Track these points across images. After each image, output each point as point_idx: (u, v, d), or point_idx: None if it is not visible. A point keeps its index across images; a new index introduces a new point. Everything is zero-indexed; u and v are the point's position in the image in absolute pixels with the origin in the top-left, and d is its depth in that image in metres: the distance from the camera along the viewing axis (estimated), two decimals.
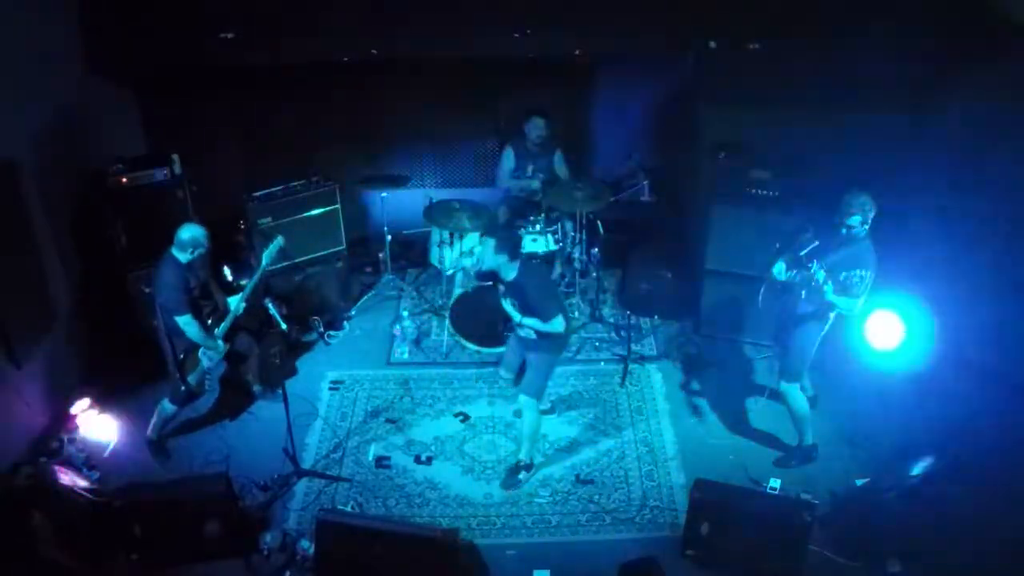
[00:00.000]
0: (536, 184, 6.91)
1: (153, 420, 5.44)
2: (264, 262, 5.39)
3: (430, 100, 7.34)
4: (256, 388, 5.90)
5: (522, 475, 5.34)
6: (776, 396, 5.89)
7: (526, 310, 4.96)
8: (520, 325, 5.01)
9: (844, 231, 4.80)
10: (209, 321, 5.30)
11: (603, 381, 6.23)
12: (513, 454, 5.49)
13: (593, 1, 6.10)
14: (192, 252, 5.07)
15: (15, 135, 5.36)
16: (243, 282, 5.53)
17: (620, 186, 7.48)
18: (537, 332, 4.97)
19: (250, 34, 6.10)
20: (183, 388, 5.28)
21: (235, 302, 5.35)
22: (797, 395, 5.25)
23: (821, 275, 4.75)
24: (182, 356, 5.22)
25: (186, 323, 5.08)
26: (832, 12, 5.84)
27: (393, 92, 7.28)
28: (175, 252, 5.08)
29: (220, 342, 5.32)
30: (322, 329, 6.70)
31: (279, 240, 5.48)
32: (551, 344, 5.09)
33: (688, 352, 6.49)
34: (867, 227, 4.79)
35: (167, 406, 5.38)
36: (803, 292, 5.01)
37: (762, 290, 5.28)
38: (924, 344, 5.45)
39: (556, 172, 6.93)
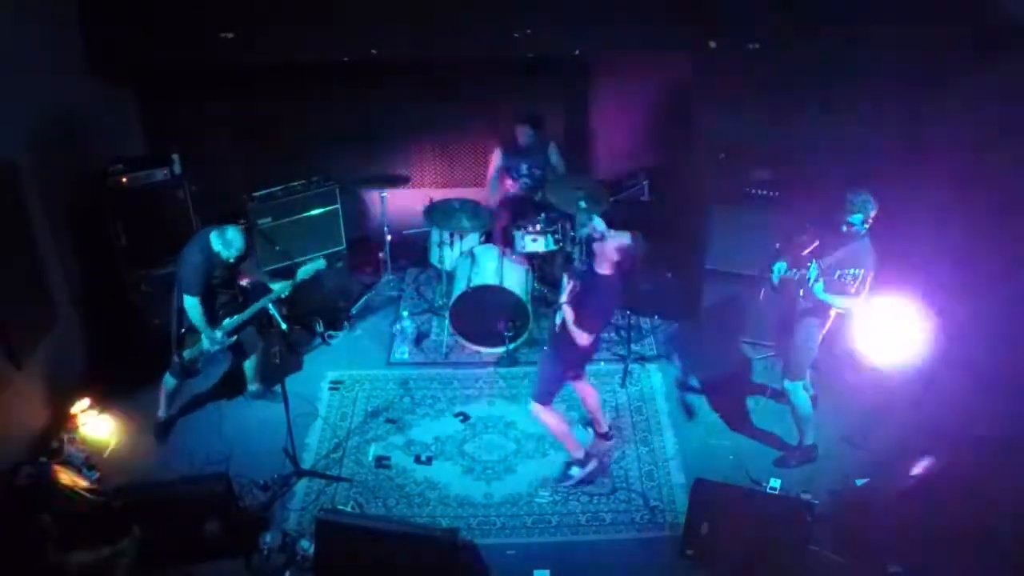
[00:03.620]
0: (523, 183, 6.91)
1: (160, 398, 5.61)
2: (298, 277, 5.51)
3: (430, 100, 7.34)
4: (253, 388, 5.93)
5: (574, 470, 5.34)
6: (777, 395, 5.90)
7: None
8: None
9: (844, 229, 4.81)
10: (220, 312, 5.42)
11: (603, 381, 6.23)
12: (514, 453, 5.54)
13: (593, 1, 6.09)
14: (225, 251, 5.20)
15: (15, 135, 5.36)
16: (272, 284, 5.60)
17: (620, 186, 7.48)
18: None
19: (250, 34, 6.10)
20: (177, 360, 5.42)
21: (265, 297, 5.42)
22: (801, 394, 5.25)
23: (813, 273, 4.77)
24: (183, 331, 5.37)
25: (191, 305, 5.22)
26: (832, 12, 5.84)
27: (393, 92, 7.28)
28: (214, 238, 5.19)
29: (219, 333, 5.40)
30: (322, 329, 6.70)
31: (319, 262, 5.62)
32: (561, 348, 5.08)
33: (686, 352, 6.48)
34: (867, 226, 4.79)
35: (168, 379, 5.55)
36: (801, 291, 5.02)
37: (763, 289, 5.28)
38: (924, 344, 5.45)
39: (553, 165, 6.92)
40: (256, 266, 5.67)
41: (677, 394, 6.10)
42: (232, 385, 6.01)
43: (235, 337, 5.54)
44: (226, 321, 5.44)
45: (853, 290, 4.78)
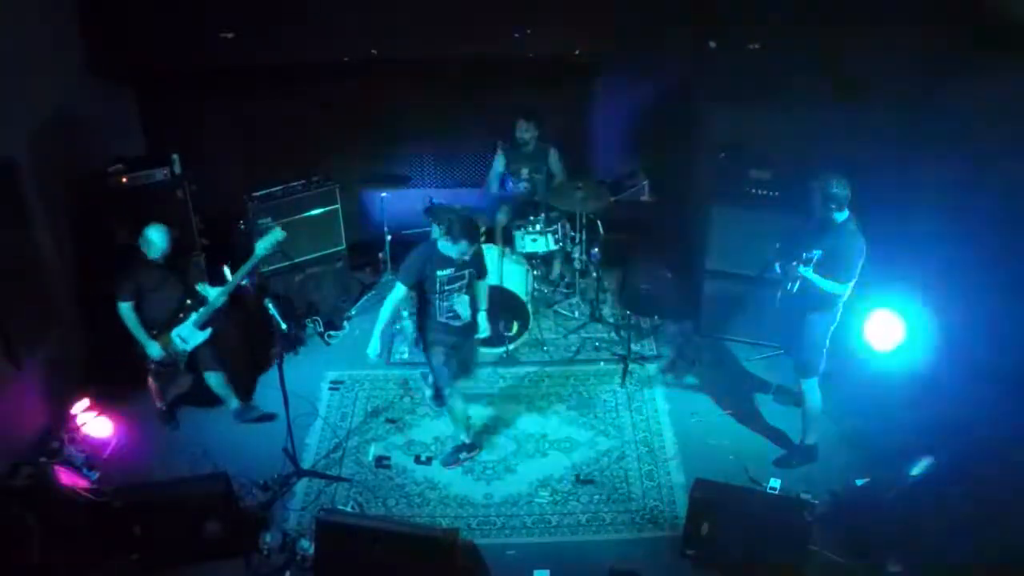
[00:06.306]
0: (523, 187, 6.90)
1: (151, 393, 5.74)
2: (258, 252, 5.37)
3: (430, 100, 7.33)
4: (233, 406, 5.79)
5: (463, 454, 5.49)
6: (779, 394, 5.90)
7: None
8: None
9: (819, 215, 4.86)
10: (181, 315, 5.39)
11: (603, 381, 6.23)
12: (514, 453, 5.56)
13: (593, 1, 6.09)
14: (148, 252, 5.18)
15: (15, 135, 5.37)
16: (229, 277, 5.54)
17: (620, 186, 7.48)
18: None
19: (250, 34, 6.10)
20: (150, 366, 5.49)
21: (214, 294, 5.39)
22: (816, 391, 5.25)
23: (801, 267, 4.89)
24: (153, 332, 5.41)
25: (122, 311, 5.24)
26: (832, 11, 5.84)
27: (393, 92, 7.28)
28: (141, 244, 5.20)
29: (155, 345, 5.34)
30: (322, 329, 6.70)
31: (277, 232, 5.44)
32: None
33: (688, 352, 6.48)
34: (834, 206, 4.79)
35: (150, 382, 5.67)
36: (793, 286, 5.04)
37: (780, 293, 5.26)
38: (924, 344, 5.45)
39: (552, 171, 6.91)
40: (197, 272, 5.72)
41: (682, 394, 6.09)
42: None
43: (189, 345, 5.45)
44: (172, 333, 5.38)
45: (811, 270, 4.84)
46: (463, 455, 5.50)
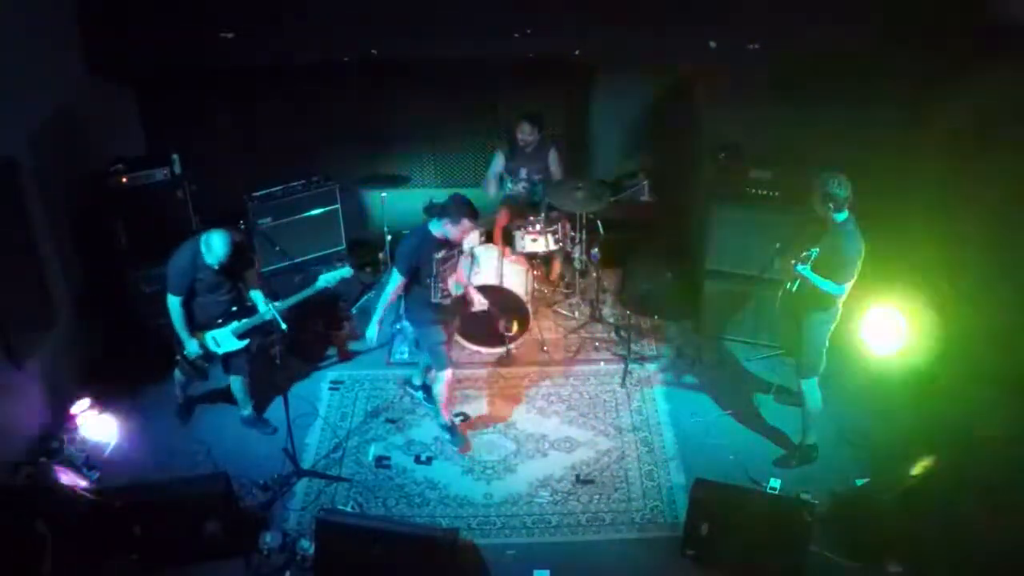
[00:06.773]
0: (522, 187, 6.90)
1: (175, 385, 5.73)
2: (318, 284, 5.24)
3: (430, 100, 7.33)
4: (244, 413, 5.75)
5: (447, 436, 5.65)
6: (779, 394, 5.90)
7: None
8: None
9: (820, 215, 4.86)
10: (220, 321, 5.32)
11: (603, 381, 6.23)
12: (514, 453, 5.56)
13: (593, 1, 6.09)
14: (207, 256, 5.05)
15: (15, 135, 5.37)
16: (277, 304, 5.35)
17: (620, 186, 7.48)
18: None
19: (250, 34, 6.10)
20: (179, 359, 5.44)
21: (264, 308, 5.24)
22: (815, 391, 5.24)
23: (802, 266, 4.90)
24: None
25: (171, 304, 5.19)
26: (832, 13, 5.85)
27: (393, 92, 7.28)
28: (203, 239, 5.07)
29: (194, 342, 5.29)
30: (321, 329, 6.69)
31: (346, 270, 5.34)
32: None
33: (688, 352, 6.48)
34: (833, 206, 4.77)
35: (176, 373, 5.62)
36: (792, 286, 5.04)
37: (780, 294, 5.27)
38: (924, 344, 5.46)
39: (550, 170, 6.89)
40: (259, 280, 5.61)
41: (682, 394, 6.09)
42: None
43: (221, 349, 5.39)
44: (208, 334, 5.33)
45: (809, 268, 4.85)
46: (447, 436, 5.61)
